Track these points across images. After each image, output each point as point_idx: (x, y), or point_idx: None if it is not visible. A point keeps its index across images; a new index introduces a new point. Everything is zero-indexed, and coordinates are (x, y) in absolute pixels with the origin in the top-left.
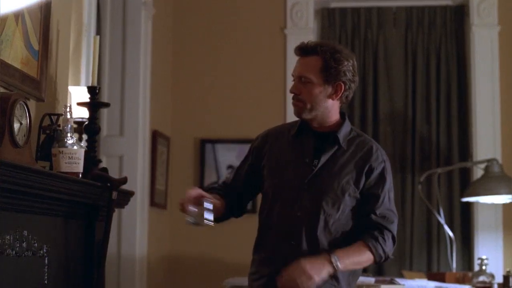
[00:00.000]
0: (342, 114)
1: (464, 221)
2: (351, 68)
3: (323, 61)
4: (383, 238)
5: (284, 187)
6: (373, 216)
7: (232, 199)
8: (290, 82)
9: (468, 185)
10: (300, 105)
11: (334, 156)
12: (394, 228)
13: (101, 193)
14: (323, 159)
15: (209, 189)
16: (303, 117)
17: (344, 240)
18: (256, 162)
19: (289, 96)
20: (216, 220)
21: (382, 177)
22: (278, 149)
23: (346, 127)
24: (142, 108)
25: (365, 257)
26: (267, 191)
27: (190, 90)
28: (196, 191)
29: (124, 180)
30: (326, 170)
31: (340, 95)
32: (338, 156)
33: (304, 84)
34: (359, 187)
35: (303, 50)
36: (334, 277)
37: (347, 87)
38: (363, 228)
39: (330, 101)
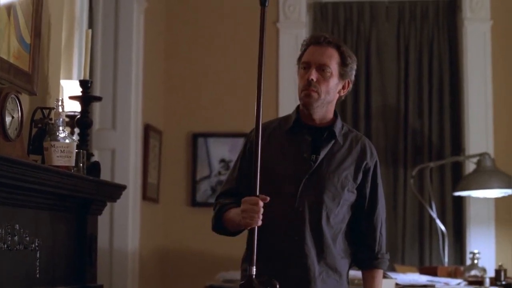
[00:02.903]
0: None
1: (456, 215)
2: (356, 68)
3: (342, 56)
4: (382, 252)
5: (283, 182)
6: (370, 226)
7: None
8: (282, 76)
9: (460, 179)
10: (315, 95)
11: (332, 151)
12: (384, 229)
13: (93, 187)
14: (322, 154)
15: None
16: (312, 107)
17: (341, 234)
18: (251, 158)
19: (282, 90)
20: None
21: (376, 175)
22: (274, 144)
23: (339, 122)
24: (134, 102)
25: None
26: (264, 186)
27: (183, 84)
28: None
29: None
30: (325, 165)
31: (345, 92)
32: (335, 151)
33: (323, 73)
34: (356, 183)
35: (323, 40)
36: (336, 271)
37: (351, 85)
38: (361, 236)
39: (337, 96)
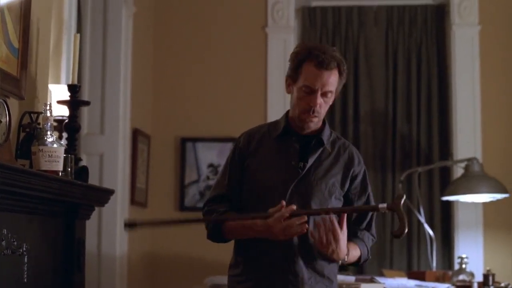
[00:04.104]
0: None
1: (444, 220)
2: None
3: (340, 75)
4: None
5: (271, 189)
6: (362, 227)
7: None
8: (271, 81)
9: (448, 184)
10: (316, 120)
11: (320, 158)
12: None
13: (81, 191)
14: (310, 161)
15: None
16: (309, 127)
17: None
18: (240, 163)
19: (270, 94)
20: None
21: (365, 182)
22: (263, 150)
23: (327, 130)
24: (123, 106)
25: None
26: (250, 192)
27: (171, 88)
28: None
29: None
30: (313, 172)
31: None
32: (323, 158)
33: (326, 98)
34: (344, 190)
35: (328, 63)
36: (325, 277)
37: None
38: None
39: None
